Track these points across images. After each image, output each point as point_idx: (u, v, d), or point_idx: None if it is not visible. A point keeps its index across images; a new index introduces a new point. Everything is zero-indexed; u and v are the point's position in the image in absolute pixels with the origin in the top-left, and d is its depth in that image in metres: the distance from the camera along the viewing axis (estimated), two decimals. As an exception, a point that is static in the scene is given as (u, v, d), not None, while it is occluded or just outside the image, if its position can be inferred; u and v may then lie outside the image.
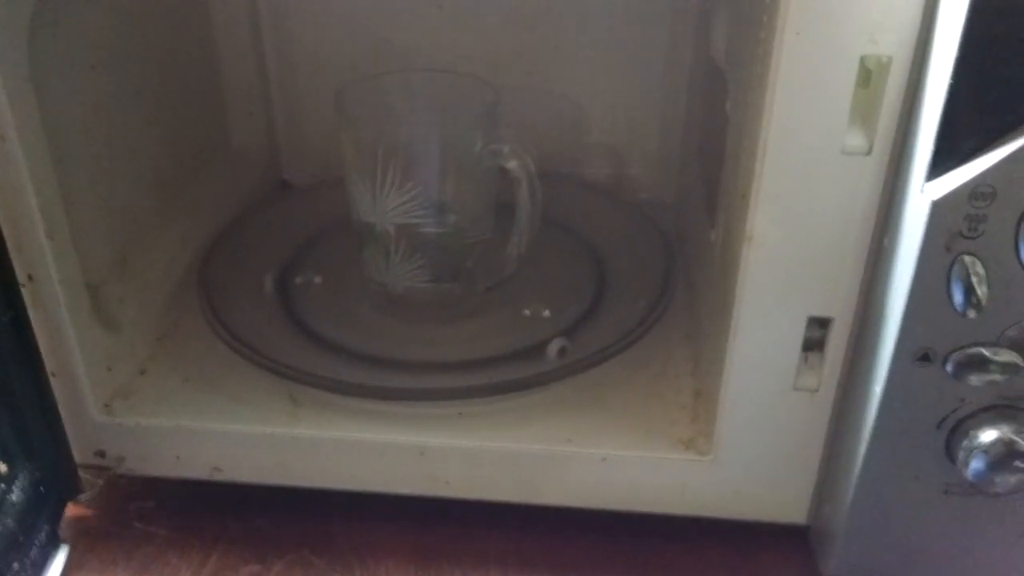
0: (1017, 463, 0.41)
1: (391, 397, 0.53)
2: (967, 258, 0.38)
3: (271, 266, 0.63)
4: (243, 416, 0.52)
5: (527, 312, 0.59)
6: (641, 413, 0.52)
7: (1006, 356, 0.40)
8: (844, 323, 0.44)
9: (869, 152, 0.39)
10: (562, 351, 0.54)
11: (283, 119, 0.76)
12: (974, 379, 0.41)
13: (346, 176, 0.56)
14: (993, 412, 0.42)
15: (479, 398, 0.53)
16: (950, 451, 0.43)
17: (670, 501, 0.51)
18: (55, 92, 0.48)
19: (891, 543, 0.46)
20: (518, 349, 0.55)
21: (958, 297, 0.38)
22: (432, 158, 0.54)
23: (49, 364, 0.50)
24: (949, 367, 0.40)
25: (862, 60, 0.37)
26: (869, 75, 0.38)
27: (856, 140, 0.39)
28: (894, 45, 0.37)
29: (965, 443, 0.42)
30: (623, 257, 0.64)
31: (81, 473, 0.54)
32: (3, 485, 0.49)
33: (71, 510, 0.55)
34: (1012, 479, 0.42)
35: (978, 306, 0.38)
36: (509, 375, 0.53)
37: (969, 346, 0.40)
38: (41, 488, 0.52)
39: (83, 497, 0.54)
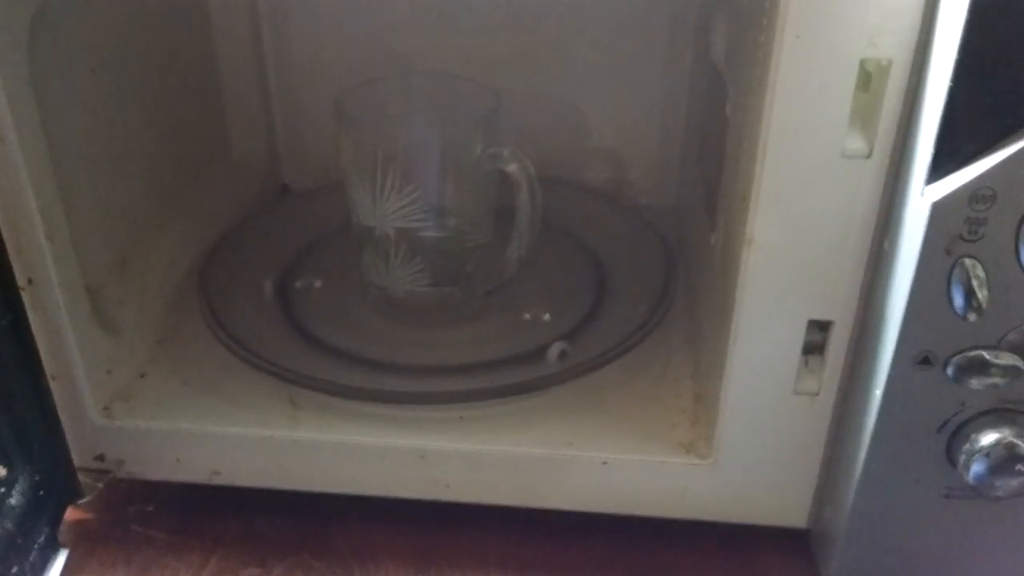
0: (1018, 467, 0.41)
1: (391, 400, 0.53)
2: (967, 261, 0.38)
3: (271, 270, 0.63)
4: (243, 419, 0.52)
5: (527, 316, 0.59)
6: (641, 417, 0.52)
7: (1007, 359, 0.40)
8: (844, 326, 0.44)
9: (869, 155, 0.39)
10: (562, 355, 0.54)
11: (283, 123, 0.76)
12: (975, 382, 0.41)
13: (346, 180, 0.56)
14: (994, 415, 0.42)
15: (479, 402, 0.52)
16: (951, 455, 0.43)
17: (670, 505, 0.51)
18: (55, 95, 0.48)
19: (892, 547, 0.46)
20: (518, 353, 0.55)
21: (958, 300, 0.38)
22: (432, 162, 0.54)
23: (49, 367, 0.50)
24: (950, 370, 0.40)
25: (862, 63, 0.37)
26: (869, 78, 0.38)
27: (856, 143, 0.39)
28: (894, 48, 0.37)
29: (966, 447, 0.42)
30: (623, 261, 0.64)
31: (81, 477, 0.54)
32: (3, 488, 0.49)
33: (70, 513, 0.55)
34: (1013, 483, 0.42)
35: (979, 309, 0.38)
36: (509, 379, 0.53)
37: (970, 349, 0.40)
38: (40, 491, 0.52)
39: (83, 501, 0.54)
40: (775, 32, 0.37)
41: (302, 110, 0.75)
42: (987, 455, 0.41)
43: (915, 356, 0.40)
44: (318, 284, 0.62)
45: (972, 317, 0.39)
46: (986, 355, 0.40)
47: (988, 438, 0.41)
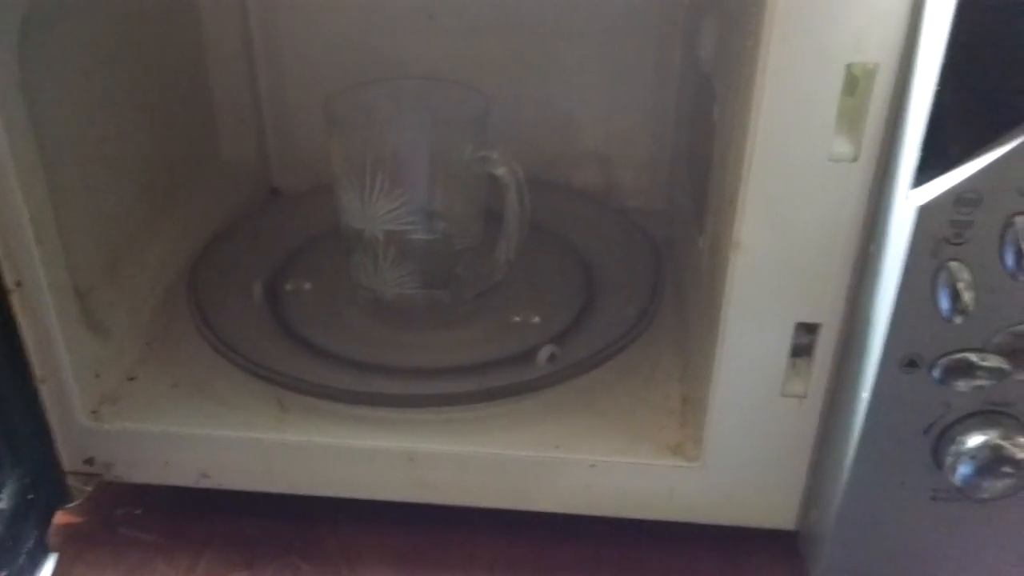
0: (1004, 468, 0.42)
1: (380, 403, 0.53)
2: (953, 264, 0.38)
3: (261, 272, 0.63)
4: (231, 422, 0.52)
5: (517, 318, 0.59)
6: (630, 419, 0.52)
7: (993, 361, 0.40)
8: (832, 329, 0.44)
9: (855, 159, 0.39)
10: (551, 357, 0.54)
11: (273, 126, 0.76)
12: (961, 385, 0.41)
13: (335, 183, 0.56)
14: (980, 417, 0.42)
15: (468, 404, 0.53)
16: (937, 457, 0.43)
17: (659, 507, 0.51)
18: (45, 97, 0.48)
19: (879, 548, 0.47)
20: (507, 355, 0.55)
21: (944, 303, 0.39)
22: (421, 165, 0.54)
23: (37, 370, 0.50)
24: (936, 373, 0.41)
25: (848, 67, 0.38)
26: (855, 82, 0.38)
27: (842, 147, 0.39)
28: (880, 52, 0.37)
29: (952, 448, 0.42)
30: (612, 263, 0.64)
31: (69, 480, 0.53)
32: (-10, 492, 0.49)
33: (59, 517, 0.54)
34: (999, 484, 0.42)
35: (964, 312, 0.39)
36: (498, 381, 0.53)
37: (956, 352, 0.40)
38: (29, 495, 0.51)
39: (71, 504, 0.54)
40: (762, 36, 0.38)
41: (292, 113, 0.75)
42: (973, 457, 0.41)
43: (902, 358, 0.41)
44: (307, 286, 0.62)
45: (958, 320, 0.39)
46: (972, 357, 0.40)
47: (974, 440, 0.41)
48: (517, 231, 0.54)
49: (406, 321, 0.59)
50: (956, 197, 0.37)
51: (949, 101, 0.36)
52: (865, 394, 0.42)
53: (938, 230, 0.37)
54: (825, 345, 0.44)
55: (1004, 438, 0.41)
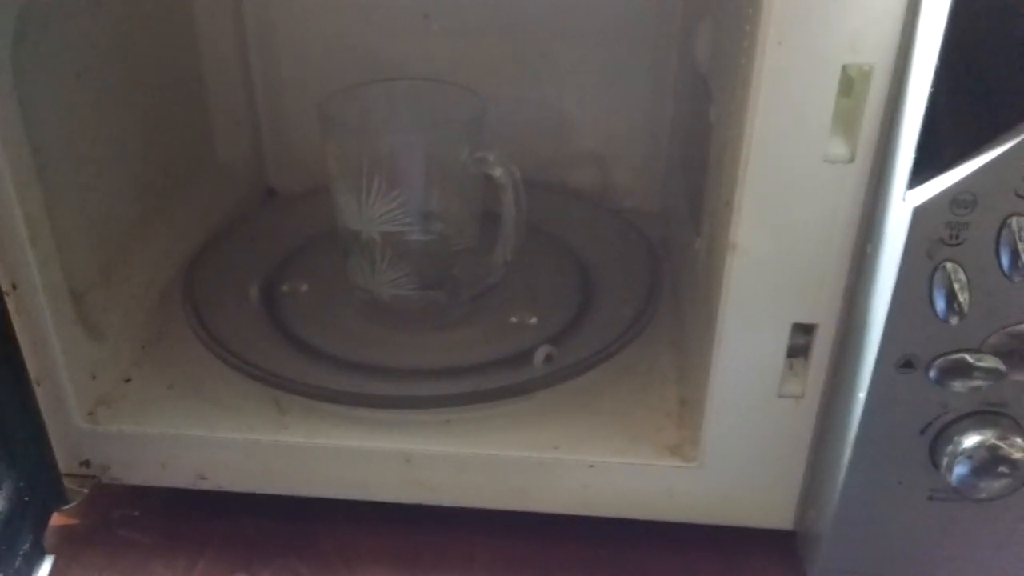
0: (1000, 468, 0.42)
1: (377, 404, 0.53)
2: (949, 265, 0.38)
3: (257, 273, 0.63)
4: (228, 423, 0.52)
5: (514, 319, 0.59)
6: (627, 420, 0.52)
7: (989, 362, 0.40)
8: (828, 329, 0.44)
9: (851, 160, 0.40)
10: (548, 358, 0.54)
11: (269, 127, 0.76)
12: (957, 385, 0.41)
13: (331, 184, 0.56)
14: (976, 418, 0.42)
15: (466, 405, 0.53)
16: (934, 457, 0.43)
17: (656, 507, 0.51)
18: (39, 99, 0.48)
19: (876, 548, 0.47)
20: (505, 356, 0.55)
21: (940, 304, 0.39)
22: (418, 167, 0.54)
23: (33, 372, 0.50)
24: (932, 373, 0.41)
25: (844, 69, 0.38)
26: (851, 83, 0.38)
27: (838, 148, 0.39)
28: (875, 54, 0.37)
29: (949, 449, 0.42)
30: (609, 264, 0.64)
31: (66, 482, 0.53)
32: (-13, 495, 0.49)
33: (55, 519, 0.54)
34: (996, 484, 0.42)
35: (960, 313, 0.39)
36: (496, 382, 0.53)
37: (952, 352, 0.40)
38: (25, 497, 0.51)
39: (68, 506, 0.54)
40: (758, 38, 0.38)
41: (287, 113, 0.75)
42: (970, 457, 0.41)
43: (898, 359, 0.41)
44: (304, 288, 0.62)
45: (954, 320, 0.39)
46: (968, 358, 0.40)
47: (971, 440, 0.42)
48: (514, 232, 0.54)
49: (403, 322, 0.59)
50: (952, 198, 0.37)
51: (945, 103, 0.36)
52: (862, 394, 0.42)
53: (934, 231, 0.38)
54: (822, 346, 0.44)
55: (1000, 438, 0.41)
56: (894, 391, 0.41)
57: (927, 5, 0.36)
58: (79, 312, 0.52)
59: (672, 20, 0.68)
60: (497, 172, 0.52)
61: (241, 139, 0.74)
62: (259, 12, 0.71)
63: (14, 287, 0.48)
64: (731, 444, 0.48)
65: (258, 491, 0.53)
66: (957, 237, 0.37)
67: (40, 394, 0.51)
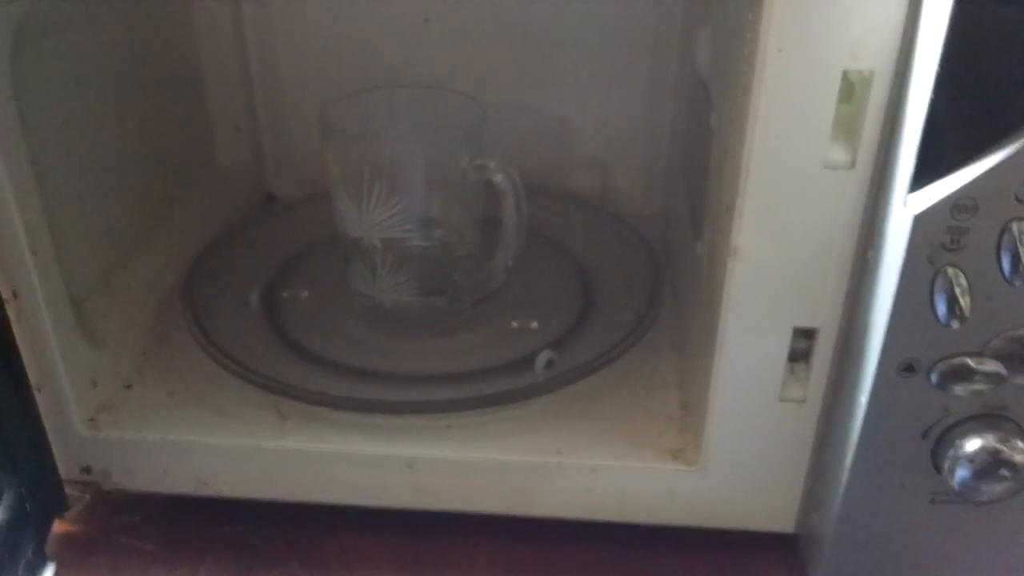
0: (1002, 471, 0.42)
1: (378, 410, 0.53)
2: (950, 270, 0.38)
3: (257, 279, 0.62)
4: (229, 430, 0.52)
5: (515, 324, 0.59)
6: (629, 424, 0.52)
7: (990, 366, 0.40)
8: (829, 334, 0.44)
9: (852, 166, 0.40)
10: (550, 363, 0.54)
11: (268, 132, 0.76)
12: (959, 389, 0.41)
13: (332, 191, 0.56)
14: (978, 421, 0.42)
15: (467, 410, 0.52)
16: (936, 460, 0.43)
17: (659, 511, 0.51)
18: (39, 107, 0.48)
19: (879, 551, 0.47)
20: (506, 361, 0.55)
21: (941, 308, 0.39)
22: (418, 174, 0.54)
23: (34, 379, 0.50)
24: (934, 377, 0.41)
25: (844, 75, 0.38)
26: (851, 90, 0.38)
27: (839, 154, 0.40)
28: (876, 60, 0.37)
29: (950, 452, 0.42)
30: (610, 269, 0.64)
31: (67, 489, 0.53)
32: (-12, 503, 0.49)
33: (57, 526, 0.54)
34: (997, 487, 0.42)
35: (961, 317, 0.39)
36: (497, 387, 0.53)
37: (953, 356, 0.40)
38: (26, 505, 0.51)
39: (69, 513, 0.54)
40: (758, 45, 0.38)
41: (287, 119, 0.75)
42: (971, 460, 0.42)
43: (899, 363, 0.41)
44: (305, 294, 0.62)
45: (955, 325, 0.39)
46: (969, 362, 0.40)
47: (972, 444, 0.42)
48: (515, 238, 0.54)
49: (404, 328, 0.59)
50: (953, 204, 0.37)
51: (945, 108, 0.36)
52: (863, 398, 0.42)
53: (935, 237, 0.38)
54: (823, 350, 0.45)
55: (1002, 442, 0.41)
56: (895, 395, 0.42)
57: (927, 11, 0.36)
58: (79, 319, 0.52)
59: (671, 25, 0.68)
60: (498, 178, 0.52)
61: (241, 145, 0.74)
62: (259, 17, 0.71)
63: (15, 295, 0.48)
64: (733, 448, 0.48)
65: (259, 497, 0.53)
66: (958, 242, 0.38)
67: (41, 401, 0.51)
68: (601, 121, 0.72)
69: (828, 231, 0.41)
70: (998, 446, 0.41)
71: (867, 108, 0.38)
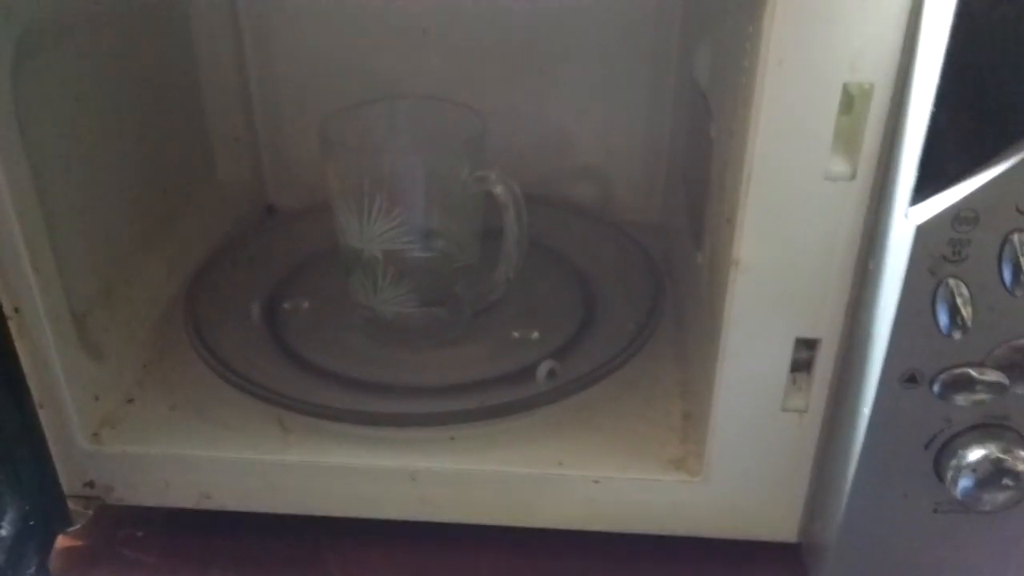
0: (1004, 481, 0.42)
1: (381, 422, 0.53)
2: (952, 281, 0.38)
3: (258, 291, 0.62)
4: (232, 443, 0.52)
5: (516, 335, 0.59)
6: (631, 435, 0.52)
7: (992, 376, 0.40)
8: (831, 344, 0.44)
9: (853, 177, 0.40)
10: (551, 373, 0.54)
11: (268, 144, 0.76)
12: (961, 399, 0.41)
13: (332, 203, 0.56)
14: (980, 431, 0.42)
15: (469, 422, 0.52)
16: (938, 470, 0.43)
17: (661, 521, 0.51)
18: (39, 122, 0.48)
19: (882, 560, 0.47)
20: (507, 372, 0.55)
21: (943, 319, 0.39)
22: (418, 186, 0.54)
23: (37, 396, 0.50)
24: (936, 388, 0.41)
25: (844, 87, 0.38)
26: (852, 101, 0.39)
27: (840, 166, 0.40)
28: (876, 72, 0.37)
29: (953, 462, 0.42)
30: (611, 279, 0.64)
31: (70, 504, 0.53)
32: (-9, 519, 0.49)
33: (60, 541, 0.54)
34: (1000, 497, 0.42)
35: (963, 328, 0.39)
36: (499, 399, 0.53)
37: (955, 367, 0.40)
38: (30, 520, 0.51)
39: (72, 528, 0.54)
40: (758, 57, 0.38)
41: (287, 130, 0.75)
42: (974, 470, 0.42)
43: (901, 374, 0.41)
44: (306, 305, 0.62)
45: (957, 335, 0.39)
46: (972, 372, 0.40)
47: (975, 454, 0.42)
48: (516, 249, 0.54)
49: (406, 340, 0.59)
50: (954, 215, 0.37)
51: (945, 120, 0.36)
52: (866, 409, 0.42)
53: (936, 248, 0.38)
54: (825, 360, 0.45)
55: (1004, 451, 0.41)
56: (898, 405, 0.42)
57: (927, 23, 0.36)
58: (81, 334, 0.52)
59: (671, 35, 0.68)
60: (498, 190, 0.52)
61: (240, 157, 0.74)
62: (257, 29, 0.71)
63: (16, 311, 0.48)
64: (735, 458, 0.48)
65: (262, 510, 0.53)
66: (959, 253, 0.38)
67: (43, 416, 0.51)
68: (601, 131, 0.72)
69: (829, 242, 0.41)
70: (1000, 456, 0.41)
71: (867, 120, 0.38)
